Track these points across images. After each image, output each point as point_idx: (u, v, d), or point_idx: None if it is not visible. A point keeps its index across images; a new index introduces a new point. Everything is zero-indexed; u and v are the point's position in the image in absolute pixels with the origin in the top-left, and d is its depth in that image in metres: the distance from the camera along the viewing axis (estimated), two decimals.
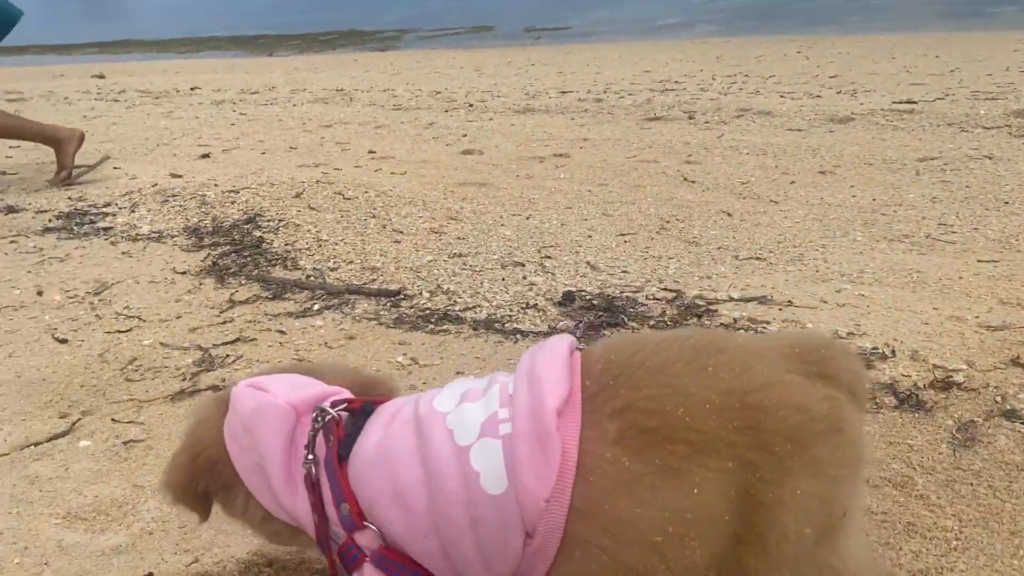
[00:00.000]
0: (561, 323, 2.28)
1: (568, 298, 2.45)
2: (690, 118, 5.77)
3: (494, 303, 2.46)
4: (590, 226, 3.26)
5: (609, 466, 0.89)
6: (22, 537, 1.41)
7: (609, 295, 2.46)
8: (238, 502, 1.12)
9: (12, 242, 3.29)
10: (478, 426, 0.95)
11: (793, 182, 3.83)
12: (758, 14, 15.51)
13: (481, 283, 2.64)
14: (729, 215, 3.35)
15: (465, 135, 5.56)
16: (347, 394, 1.11)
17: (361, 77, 10.69)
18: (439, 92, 8.29)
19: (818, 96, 6.43)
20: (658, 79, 8.29)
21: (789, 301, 2.33)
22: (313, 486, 1.00)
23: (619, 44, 13.29)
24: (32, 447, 1.72)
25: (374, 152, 5.06)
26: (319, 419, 1.03)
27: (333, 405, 1.05)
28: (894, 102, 5.75)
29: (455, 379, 1.10)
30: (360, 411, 1.05)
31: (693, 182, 3.92)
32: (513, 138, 5.35)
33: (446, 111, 6.90)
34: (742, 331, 2.12)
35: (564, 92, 7.70)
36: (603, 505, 0.89)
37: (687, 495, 0.88)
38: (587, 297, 2.46)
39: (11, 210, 3.80)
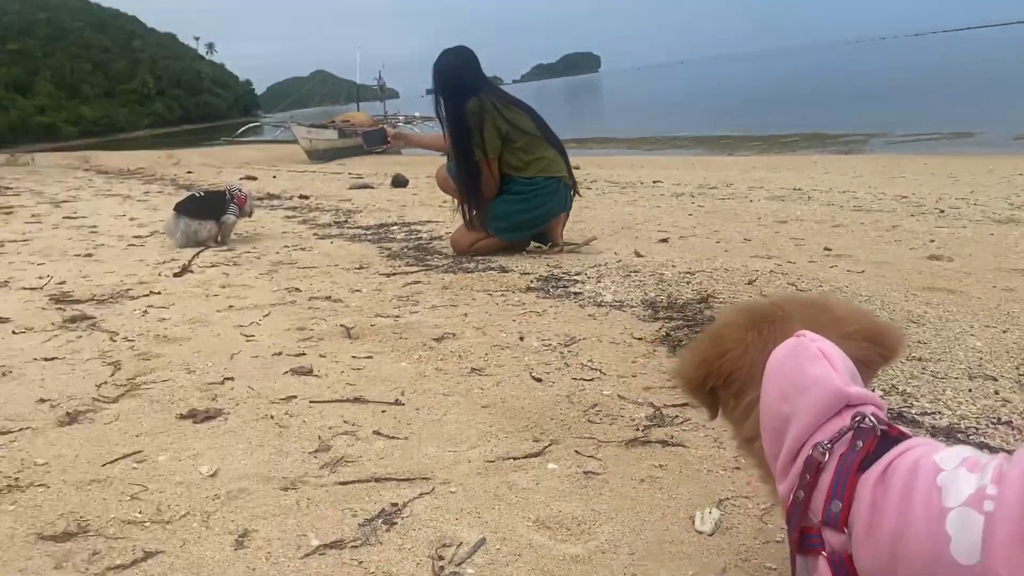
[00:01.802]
0: None
1: None
2: None
3: (957, 412, 2.28)
4: None
5: None
6: (502, 528, 1.67)
7: None
8: (737, 413, 1.26)
9: (502, 295, 3.87)
10: (966, 495, 0.94)
11: None
12: None
13: (943, 391, 2.45)
14: None
15: (932, 240, 5.20)
16: (883, 410, 1.16)
17: (820, 178, 10.55)
18: (905, 196, 7.85)
19: None
20: None
21: None
22: (816, 470, 1.07)
23: None
24: (511, 460, 2.01)
25: (829, 249, 4.98)
26: (859, 423, 1.10)
27: (876, 418, 1.11)
28: None
29: (961, 445, 1.09)
30: (892, 438, 1.09)
31: None
32: (991, 248, 4.87)
33: (912, 215, 6.51)
34: None
35: None
36: None
37: None
38: None
39: (503, 270, 4.47)
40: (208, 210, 5.77)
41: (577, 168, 5.24)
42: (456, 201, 5.10)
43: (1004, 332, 3.06)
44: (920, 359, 2.75)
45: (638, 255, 4.77)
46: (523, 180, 4.91)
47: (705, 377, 1.28)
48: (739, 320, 1.29)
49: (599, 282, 4.08)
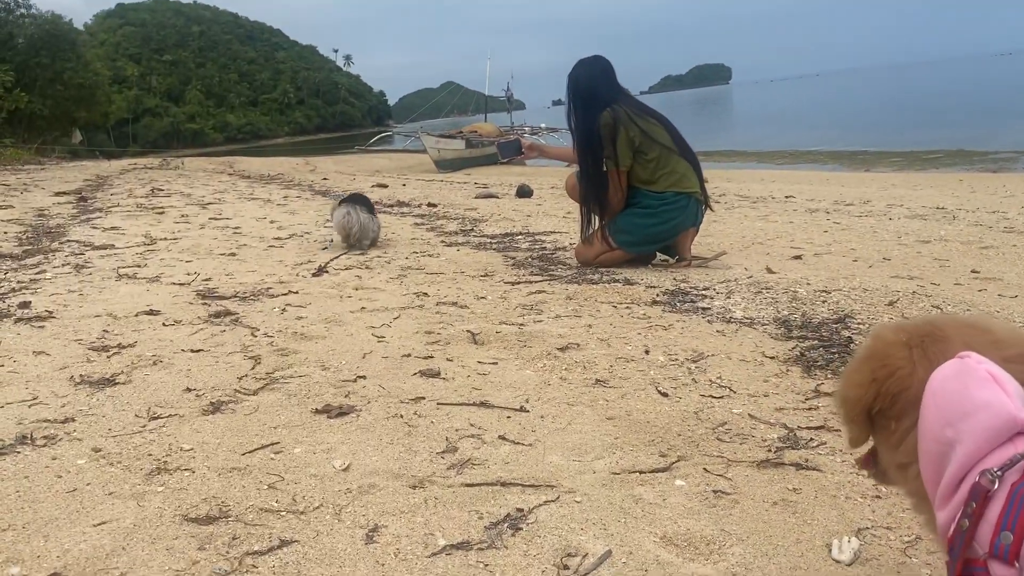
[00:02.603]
0: None
1: None
2: None
3: None
4: None
5: None
6: (628, 542, 1.64)
7: None
8: (894, 437, 1.18)
9: (627, 308, 3.83)
10: None
11: None
12: None
13: None
14: None
15: None
16: None
17: (966, 197, 9.97)
18: None
19: None
20: None
21: None
22: (984, 498, 1.00)
23: None
24: (637, 473, 1.98)
25: (977, 272, 4.68)
26: None
27: None
28: None
29: None
30: None
31: None
32: None
33: None
34: None
35: None
36: None
37: None
38: None
39: (628, 282, 4.43)
40: (371, 208, 6.05)
41: (706, 181, 5.12)
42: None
43: None
44: None
45: (770, 271, 4.62)
46: (652, 194, 4.85)
47: (875, 398, 1.19)
48: (901, 338, 1.21)
49: (728, 298, 3.98)
